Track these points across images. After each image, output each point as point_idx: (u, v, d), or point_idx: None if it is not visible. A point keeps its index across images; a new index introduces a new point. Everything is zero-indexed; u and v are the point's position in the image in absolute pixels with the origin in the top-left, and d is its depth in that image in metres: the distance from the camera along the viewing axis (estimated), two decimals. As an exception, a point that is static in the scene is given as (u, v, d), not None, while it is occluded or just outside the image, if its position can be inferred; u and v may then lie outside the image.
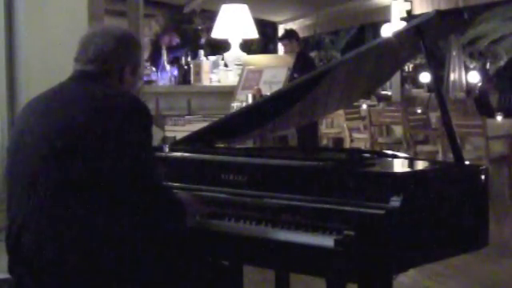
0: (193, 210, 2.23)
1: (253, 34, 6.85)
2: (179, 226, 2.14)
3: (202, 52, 6.97)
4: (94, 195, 1.92)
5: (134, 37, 2.22)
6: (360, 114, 8.97)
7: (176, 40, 7.72)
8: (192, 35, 9.95)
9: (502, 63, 14.65)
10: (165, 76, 7.21)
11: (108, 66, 2.09)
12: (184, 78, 6.93)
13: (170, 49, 7.83)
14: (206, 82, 6.65)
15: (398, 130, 8.27)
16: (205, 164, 2.48)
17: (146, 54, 7.48)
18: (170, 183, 2.40)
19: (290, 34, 7.01)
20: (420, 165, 2.64)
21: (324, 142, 9.36)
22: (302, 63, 6.21)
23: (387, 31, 10.11)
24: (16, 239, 2.00)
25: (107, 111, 1.98)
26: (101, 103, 2.00)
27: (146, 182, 2.02)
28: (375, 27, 14.33)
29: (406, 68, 16.68)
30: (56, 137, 1.95)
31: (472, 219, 2.21)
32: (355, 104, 9.17)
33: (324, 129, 9.45)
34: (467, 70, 14.03)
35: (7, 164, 2.11)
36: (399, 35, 2.53)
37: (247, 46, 8.30)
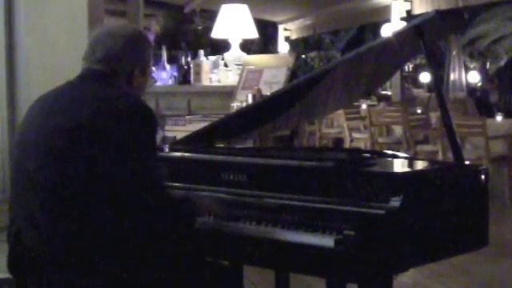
0: (212, 211, 2.23)
1: (253, 34, 6.85)
2: (180, 227, 2.13)
3: (202, 52, 6.97)
4: (95, 196, 1.92)
5: (143, 36, 2.19)
6: (360, 114, 8.96)
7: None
8: (192, 35, 9.95)
9: (502, 63, 14.65)
10: (165, 76, 7.20)
11: (116, 66, 2.07)
12: (184, 77, 6.93)
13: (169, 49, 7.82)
14: (205, 82, 6.65)
15: (398, 130, 8.26)
16: (205, 164, 2.48)
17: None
18: (170, 183, 2.40)
19: None
20: (420, 165, 2.64)
21: (324, 142, 9.36)
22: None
23: (387, 31, 10.11)
24: (16, 239, 2.00)
25: (110, 112, 1.96)
26: (104, 104, 1.98)
27: (147, 183, 2.01)
28: (375, 27, 14.33)
29: (406, 68, 16.72)
30: (57, 136, 1.95)
31: (472, 219, 2.21)
32: (355, 104, 9.17)
33: (324, 129, 9.45)
34: (467, 69, 14.04)
35: (12, 163, 2.10)
36: (399, 35, 2.53)
37: (247, 46, 8.29)
